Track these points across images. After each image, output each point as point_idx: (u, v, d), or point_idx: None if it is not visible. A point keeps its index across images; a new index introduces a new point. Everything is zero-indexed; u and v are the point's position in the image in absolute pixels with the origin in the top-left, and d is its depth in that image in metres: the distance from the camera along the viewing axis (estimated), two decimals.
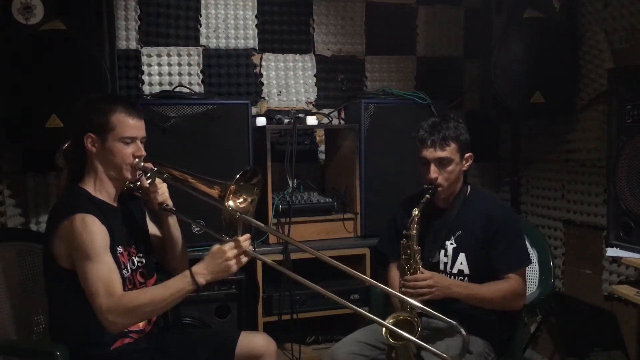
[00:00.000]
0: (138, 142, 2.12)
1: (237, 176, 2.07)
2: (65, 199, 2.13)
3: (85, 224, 1.97)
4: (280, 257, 2.99)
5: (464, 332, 2.01)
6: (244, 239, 2.02)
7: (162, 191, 2.21)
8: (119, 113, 2.07)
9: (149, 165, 2.14)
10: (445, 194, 2.42)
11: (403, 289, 2.28)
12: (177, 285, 1.98)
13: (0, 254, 2.50)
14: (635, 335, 2.92)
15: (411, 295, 2.22)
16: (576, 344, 3.27)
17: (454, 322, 2.02)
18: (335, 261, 2.09)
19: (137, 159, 2.11)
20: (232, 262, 1.98)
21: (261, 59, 3.59)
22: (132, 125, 2.09)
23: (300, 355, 3.09)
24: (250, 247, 2.04)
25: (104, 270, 1.96)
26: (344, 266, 2.08)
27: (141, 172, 2.14)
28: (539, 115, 3.31)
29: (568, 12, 3.21)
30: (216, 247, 2.00)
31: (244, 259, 2.01)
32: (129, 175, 2.12)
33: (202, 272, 1.98)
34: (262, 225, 2.22)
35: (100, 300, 1.93)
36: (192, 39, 3.46)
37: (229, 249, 1.98)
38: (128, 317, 1.97)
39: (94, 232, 1.98)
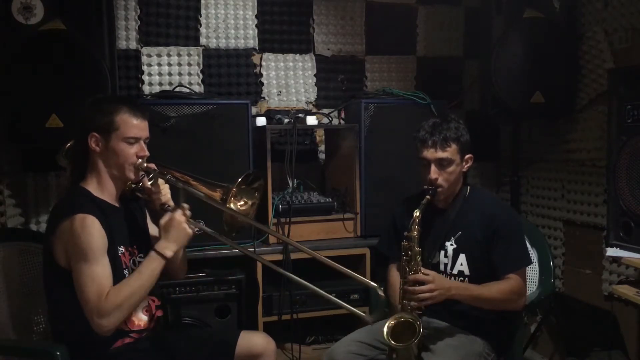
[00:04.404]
0: (142, 142, 2.14)
1: (239, 180, 2.09)
2: (66, 198, 2.14)
3: (84, 225, 1.98)
4: (280, 257, 2.99)
5: None
6: (187, 206, 2.11)
7: (165, 192, 2.22)
8: (123, 113, 2.09)
9: (152, 165, 2.16)
10: (445, 195, 2.42)
11: (403, 291, 2.29)
12: (149, 267, 2.05)
13: (0, 253, 2.50)
14: (635, 335, 2.92)
15: (412, 300, 2.23)
16: (576, 344, 3.27)
17: None
18: (332, 262, 2.10)
19: (140, 160, 2.12)
20: (187, 226, 2.08)
21: (261, 59, 3.59)
22: (136, 126, 2.10)
23: (300, 355, 3.09)
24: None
25: (98, 273, 1.97)
26: (341, 267, 2.09)
27: (143, 172, 2.14)
28: (539, 115, 3.31)
29: (568, 12, 3.22)
30: (165, 220, 2.08)
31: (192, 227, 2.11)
32: (131, 175, 2.13)
33: (166, 245, 2.06)
34: (265, 227, 2.25)
35: (91, 304, 1.94)
36: (192, 39, 3.46)
37: (178, 216, 2.07)
38: (115, 316, 1.97)
39: (92, 233, 1.99)
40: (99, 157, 2.11)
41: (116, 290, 2.00)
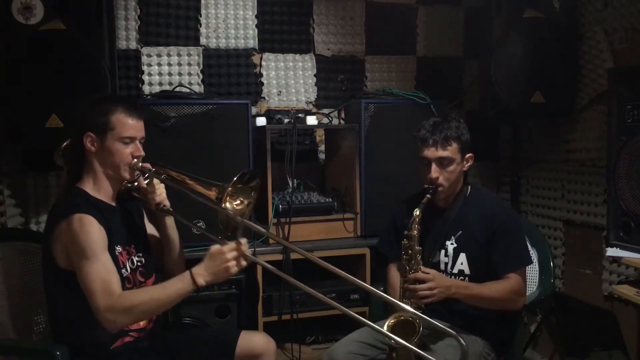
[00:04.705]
0: (137, 142, 2.13)
1: (235, 178, 2.08)
2: (63, 199, 2.14)
3: (83, 224, 1.98)
4: (280, 257, 2.99)
5: (463, 343, 2.00)
6: (245, 242, 2.01)
7: (160, 192, 2.22)
8: (119, 113, 2.08)
9: (147, 165, 2.16)
10: (445, 194, 2.42)
11: (404, 290, 2.29)
12: (176, 285, 1.99)
13: (0, 253, 2.50)
14: (635, 335, 2.92)
15: (413, 298, 2.23)
16: (576, 344, 3.27)
17: (454, 333, 2.02)
18: (327, 264, 2.10)
19: (135, 159, 2.12)
20: (232, 264, 1.98)
21: (261, 59, 3.59)
22: (131, 126, 2.10)
23: (300, 355, 3.09)
24: (249, 251, 2.04)
25: (102, 270, 1.96)
26: (338, 269, 2.09)
27: (139, 172, 2.14)
28: (539, 115, 3.31)
29: (568, 12, 3.22)
30: (215, 248, 1.99)
31: (244, 262, 2.01)
32: (126, 175, 2.13)
33: (202, 273, 1.98)
34: (261, 228, 2.23)
35: (98, 299, 1.93)
36: (192, 39, 3.46)
37: (228, 250, 1.98)
38: (126, 316, 1.96)
39: (91, 232, 1.98)
40: (95, 157, 2.11)
41: (134, 292, 2.01)
